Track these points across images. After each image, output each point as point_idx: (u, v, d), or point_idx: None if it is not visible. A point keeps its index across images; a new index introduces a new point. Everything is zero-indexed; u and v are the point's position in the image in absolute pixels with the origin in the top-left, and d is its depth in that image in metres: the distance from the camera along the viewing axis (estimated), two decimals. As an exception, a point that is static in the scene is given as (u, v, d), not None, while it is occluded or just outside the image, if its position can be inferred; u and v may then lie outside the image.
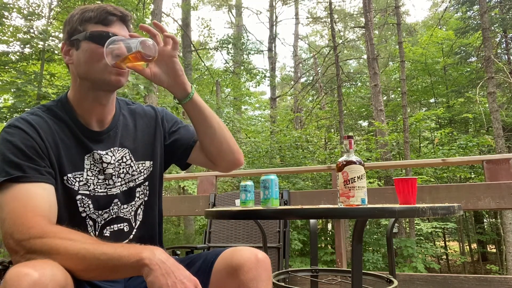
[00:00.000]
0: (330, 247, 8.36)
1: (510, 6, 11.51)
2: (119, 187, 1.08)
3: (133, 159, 1.12)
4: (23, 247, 0.81)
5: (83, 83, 1.03)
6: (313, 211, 1.20)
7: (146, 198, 1.14)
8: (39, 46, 6.09)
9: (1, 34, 7.25)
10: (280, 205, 1.54)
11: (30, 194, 0.88)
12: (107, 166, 1.06)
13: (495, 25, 11.76)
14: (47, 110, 1.04)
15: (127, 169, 1.10)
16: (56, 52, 6.24)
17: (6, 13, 6.57)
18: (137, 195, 1.12)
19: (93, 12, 1.00)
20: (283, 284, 1.72)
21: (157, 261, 0.78)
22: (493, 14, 11.20)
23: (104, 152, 1.06)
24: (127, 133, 1.14)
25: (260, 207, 1.37)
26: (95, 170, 1.05)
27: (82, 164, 1.03)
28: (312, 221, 2.00)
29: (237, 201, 2.71)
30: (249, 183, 1.50)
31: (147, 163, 1.15)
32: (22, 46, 6.34)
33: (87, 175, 1.03)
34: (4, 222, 0.85)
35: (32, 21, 6.58)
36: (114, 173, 1.07)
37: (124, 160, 1.10)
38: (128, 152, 1.11)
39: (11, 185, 0.88)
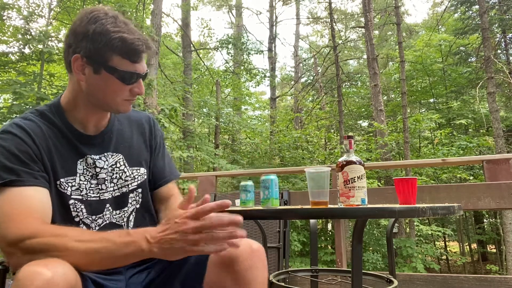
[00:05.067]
0: (330, 247, 8.36)
1: (509, 7, 11.51)
2: (111, 192, 1.07)
3: (126, 165, 1.11)
4: (19, 249, 0.81)
5: (88, 98, 1.03)
6: (313, 211, 1.20)
7: (138, 206, 1.13)
8: (39, 47, 6.09)
9: (1, 34, 7.25)
10: (280, 205, 1.54)
11: (24, 197, 0.89)
12: (100, 171, 1.06)
13: (494, 26, 11.77)
14: (40, 114, 1.04)
15: (120, 174, 1.10)
16: (55, 52, 6.24)
17: (5, 13, 6.57)
18: (130, 201, 1.11)
19: (121, 42, 0.95)
20: (283, 284, 1.72)
21: (155, 249, 0.80)
22: (492, 14, 11.20)
23: (97, 157, 1.06)
24: (122, 138, 1.13)
25: (260, 207, 1.36)
26: (87, 175, 1.04)
27: (75, 169, 1.03)
28: (312, 221, 2.00)
29: (237, 201, 2.71)
30: (249, 183, 1.50)
31: (141, 170, 1.15)
32: (21, 46, 6.34)
33: (80, 180, 1.03)
34: None
35: (30, 23, 6.58)
36: (106, 178, 1.07)
37: (118, 165, 1.10)
38: (122, 158, 1.11)
39: (5, 189, 0.88)
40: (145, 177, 1.15)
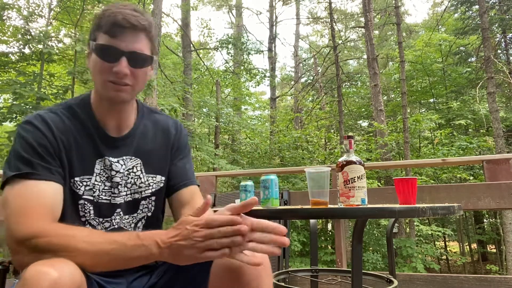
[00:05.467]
0: (330, 247, 8.36)
1: (509, 7, 11.51)
2: (123, 196, 1.06)
3: (143, 171, 1.08)
4: (26, 247, 0.80)
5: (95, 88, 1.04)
6: (313, 211, 1.20)
7: (149, 214, 1.11)
8: (39, 47, 6.10)
9: (1, 34, 7.26)
10: (280, 205, 1.54)
11: (37, 192, 0.88)
12: (115, 174, 1.04)
13: (494, 26, 11.77)
14: (67, 108, 1.03)
15: (135, 179, 1.07)
16: (55, 52, 6.25)
17: (5, 13, 6.57)
18: (141, 207, 1.09)
19: (105, 19, 0.95)
20: (283, 284, 1.72)
21: (165, 253, 0.79)
22: (492, 14, 11.20)
23: (115, 160, 1.04)
24: (144, 143, 1.10)
25: (260, 207, 1.36)
26: (103, 176, 1.03)
27: (92, 168, 1.01)
28: (312, 221, 2.00)
29: (237, 201, 2.71)
30: (249, 183, 1.50)
31: (158, 177, 1.11)
32: (21, 46, 6.35)
33: (95, 180, 1.01)
34: (7, 220, 0.84)
35: (30, 23, 6.59)
36: (121, 182, 1.05)
37: (134, 170, 1.07)
38: (140, 163, 1.08)
39: (20, 181, 0.88)
40: (162, 185, 1.12)
